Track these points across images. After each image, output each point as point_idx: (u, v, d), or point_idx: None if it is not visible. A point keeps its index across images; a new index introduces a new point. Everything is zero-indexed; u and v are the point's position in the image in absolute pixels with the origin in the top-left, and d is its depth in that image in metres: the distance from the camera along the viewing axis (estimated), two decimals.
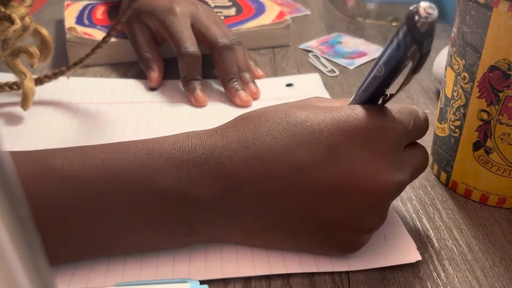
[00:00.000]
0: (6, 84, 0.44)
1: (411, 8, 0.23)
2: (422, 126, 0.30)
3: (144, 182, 0.26)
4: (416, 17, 0.23)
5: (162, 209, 0.27)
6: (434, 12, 0.23)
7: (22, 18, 0.38)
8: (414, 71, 0.25)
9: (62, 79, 0.50)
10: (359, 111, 0.27)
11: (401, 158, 0.28)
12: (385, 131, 0.27)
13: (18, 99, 0.45)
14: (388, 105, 0.28)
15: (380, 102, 0.28)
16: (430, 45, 0.24)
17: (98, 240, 0.27)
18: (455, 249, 0.31)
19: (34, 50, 0.40)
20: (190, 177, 0.26)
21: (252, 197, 0.27)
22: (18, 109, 0.44)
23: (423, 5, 0.23)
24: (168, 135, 0.29)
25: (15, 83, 0.44)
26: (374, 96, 0.28)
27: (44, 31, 0.41)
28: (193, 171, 0.26)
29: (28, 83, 0.40)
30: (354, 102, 0.29)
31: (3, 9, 0.37)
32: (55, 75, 0.44)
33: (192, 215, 0.27)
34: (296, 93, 0.49)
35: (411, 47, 0.24)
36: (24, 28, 0.39)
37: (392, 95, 0.28)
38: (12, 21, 0.37)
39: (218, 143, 0.27)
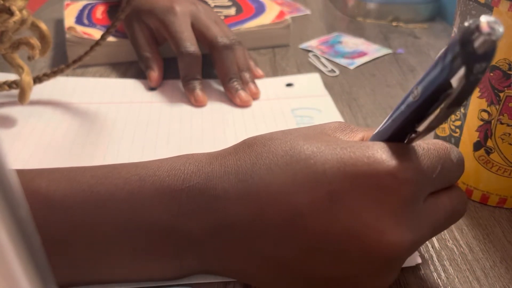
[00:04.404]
0: (5, 83, 0.44)
1: (467, 23, 0.18)
2: (453, 170, 0.25)
3: (132, 212, 0.24)
4: (476, 34, 0.18)
5: (151, 241, 0.25)
6: (500, 29, 0.18)
7: (20, 11, 0.38)
8: (452, 104, 0.20)
9: (61, 79, 0.50)
10: (371, 153, 0.23)
11: (417, 212, 0.23)
12: (398, 181, 0.22)
13: (16, 99, 0.45)
14: (414, 145, 0.24)
15: (406, 140, 0.24)
16: (483, 74, 0.19)
17: (83, 269, 0.25)
18: (455, 249, 0.31)
19: (35, 41, 0.40)
20: (182, 210, 0.24)
21: (245, 236, 0.24)
22: (16, 110, 0.44)
23: (487, 19, 0.18)
24: (166, 159, 0.27)
25: (14, 82, 0.44)
26: (402, 130, 0.24)
27: (42, 25, 0.41)
28: (186, 203, 0.24)
29: (26, 77, 0.40)
30: (378, 135, 0.25)
31: (1, 1, 0.37)
32: (54, 74, 0.44)
33: (183, 249, 0.25)
34: (296, 93, 0.49)
35: (458, 69, 0.19)
36: (22, 21, 0.39)
37: (419, 134, 0.23)
38: (11, 13, 0.37)
39: (215, 172, 0.25)
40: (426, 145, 0.25)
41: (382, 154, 0.23)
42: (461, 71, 0.19)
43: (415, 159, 0.23)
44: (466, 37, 0.19)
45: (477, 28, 0.18)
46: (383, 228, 0.22)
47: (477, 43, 0.18)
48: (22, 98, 0.40)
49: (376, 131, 0.26)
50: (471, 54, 0.19)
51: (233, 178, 0.24)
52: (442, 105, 0.21)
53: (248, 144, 0.26)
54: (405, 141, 0.24)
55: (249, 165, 0.25)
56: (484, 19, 0.18)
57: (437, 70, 0.20)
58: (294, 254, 0.24)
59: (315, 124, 0.27)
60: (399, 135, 0.24)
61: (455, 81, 0.20)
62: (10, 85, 0.44)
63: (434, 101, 0.21)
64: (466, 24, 0.19)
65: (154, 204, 0.24)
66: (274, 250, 0.24)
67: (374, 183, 0.22)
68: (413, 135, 0.24)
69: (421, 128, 0.23)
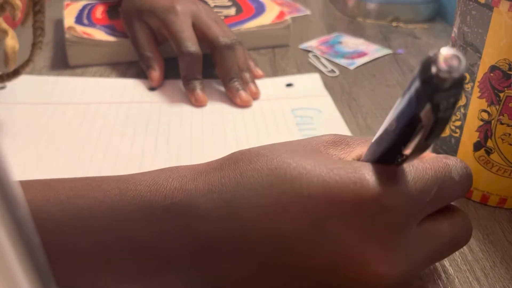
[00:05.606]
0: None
1: (430, 54, 0.17)
2: (455, 188, 0.24)
3: (111, 227, 0.23)
4: (434, 69, 0.16)
5: (131, 259, 0.24)
6: (460, 65, 0.16)
7: None
8: (428, 137, 0.19)
9: (61, 79, 0.50)
10: (358, 177, 0.22)
11: (408, 241, 0.22)
12: (385, 208, 0.21)
13: (16, 99, 0.45)
14: (408, 165, 0.23)
15: (397, 162, 0.23)
16: (452, 109, 0.18)
17: (61, 282, 0.24)
18: None
19: (18, 3, 0.38)
20: (163, 228, 0.23)
21: (228, 257, 0.23)
22: (17, 110, 0.44)
23: (445, 53, 0.16)
24: (149, 172, 0.26)
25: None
26: (389, 152, 0.22)
27: None
28: (167, 221, 0.23)
29: (10, 40, 0.39)
30: (368, 154, 0.24)
31: None
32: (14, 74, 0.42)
33: (165, 269, 0.24)
34: (296, 93, 0.49)
35: (423, 106, 0.18)
36: None
37: (406, 158, 0.22)
38: None
39: (199, 190, 0.24)
40: (423, 164, 0.23)
41: (369, 179, 0.22)
42: (428, 107, 0.18)
43: (405, 184, 0.22)
44: (426, 73, 0.17)
45: (436, 63, 0.16)
46: (368, 257, 0.21)
47: (437, 80, 0.17)
48: (8, 64, 0.40)
49: (368, 148, 0.24)
50: (434, 90, 0.17)
51: (217, 197, 0.23)
52: (419, 137, 0.20)
53: (234, 160, 0.25)
54: (396, 163, 0.23)
55: (233, 184, 0.23)
56: (443, 52, 0.16)
57: (405, 103, 0.19)
58: (279, 280, 0.23)
59: (309, 138, 0.27)
60: (388, 157, 0.23)
61: (424, 116, 0.18)
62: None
63: (412, 131, 0.20)
64: (429, 54, 0.17)
65: (133, 220, 0.23)
66: (258, 270, 0.23)
67: (359, 210, 0.21)
68: (401, 159, 0.22)
69: (407, 151, 0.22)
